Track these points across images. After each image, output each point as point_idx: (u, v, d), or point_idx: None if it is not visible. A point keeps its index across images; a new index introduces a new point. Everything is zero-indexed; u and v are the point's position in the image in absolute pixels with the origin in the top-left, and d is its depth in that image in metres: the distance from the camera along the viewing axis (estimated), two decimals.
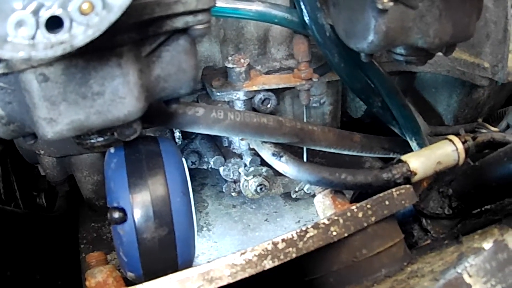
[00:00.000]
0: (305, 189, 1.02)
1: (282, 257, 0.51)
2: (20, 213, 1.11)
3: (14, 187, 1.18)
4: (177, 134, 1.01)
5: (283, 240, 0.52)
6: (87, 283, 0.64)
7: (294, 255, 0.51)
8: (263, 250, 0.51)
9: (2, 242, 0.90)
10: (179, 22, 0.51)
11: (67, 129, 0.51)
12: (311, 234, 0.53)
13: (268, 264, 0.51)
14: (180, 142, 1.02)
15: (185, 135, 1.03)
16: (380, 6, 0.55)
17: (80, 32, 0.39)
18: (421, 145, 0.84)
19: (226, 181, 1.01)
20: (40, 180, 1.24)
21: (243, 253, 0.51)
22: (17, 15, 0.38)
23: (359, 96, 0.85)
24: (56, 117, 0.50)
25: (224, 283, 0.49)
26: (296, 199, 1.10)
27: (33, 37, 0.39)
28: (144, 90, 0.53)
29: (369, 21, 0.59)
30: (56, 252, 1.08)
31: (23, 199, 1.18)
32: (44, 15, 0.38)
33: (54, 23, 0.39)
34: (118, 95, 0.51)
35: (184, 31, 0.53)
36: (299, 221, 1.10)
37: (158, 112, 0.65)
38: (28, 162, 1.08)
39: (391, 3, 0.55)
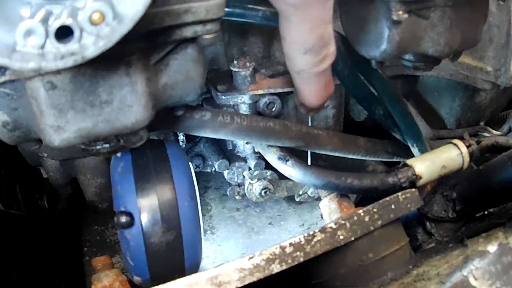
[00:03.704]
0: (309, 192, 1.03)
1: (290, 261, 0.51)
2: (23, 216, 1.11)
3: (17, 189, 1.18)
4: (181, 137, 1.02)
5: (290, 244, 0.52)
6: (93, 287, 0.64)
7: (301, 259, 0.52)
8: (271, 254, 0.51)
9: (8, 246, 0.90)
10: (188, 32, 0.51)
11: (74, 137, 0.51)
12: (319, 238, 0.53)
13: (276, 268, 0.51)
14: (184, 145, 1.02)
15: (189, 138, 1.03)
16: (395, 18, 0.56)
17: (91, 43, 0.39)
18: (423, 152, 0.85)
19: (230, 184, 1.01)
20: (42, 183, 1.24)
21: (251, 258, 0.51)
22: (25, 24, 0.38)
23: (361, 103, 0.86)
24: (64, 124, 0.50)
25: (233, 287, 0.49)
26: (300, 203, 1.10)
27: (42, 47, 0.38)
28: (152, 98, 0.53)
29: (382, 31, 0.60)
30: (59, 255, 1.08)
31: (25, 201, 1.18)
32: (54, 24, 0.38)
33: (64, 33, 0.39)
34: (126, 103, 0.51)
35: (193, 40, 0.53)
36: (303, 225, 1.10)
37: (164, 116, 0.66)
38: (30, 164, 1.08)
39: (406, 15, 0.56)
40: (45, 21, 0.38)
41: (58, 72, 0.47)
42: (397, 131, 0.87)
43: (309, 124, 0.93)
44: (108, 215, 1.06)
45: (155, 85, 0.54)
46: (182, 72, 0.55)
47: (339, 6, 0.72)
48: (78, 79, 0.48)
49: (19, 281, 0.94)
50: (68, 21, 0.38)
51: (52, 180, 1.05)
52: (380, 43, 0.61)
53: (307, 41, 0.59)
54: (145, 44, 0.50)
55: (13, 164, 1.17)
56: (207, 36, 0.52)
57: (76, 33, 0.39)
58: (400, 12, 0.56)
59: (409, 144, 0.86)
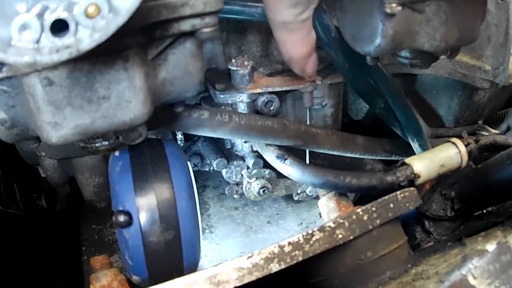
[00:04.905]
0: (307, 191, 1.03)
1: (288, 260, 0.51)
2: (22, 215, 1.11)
3: (15, 189, 1.17)
4: (179, 136, 1.02)
5: (289, 243, 0.52)
6: (91, 286, 0.64)
7: (300, 258, 0.51)
8: (269, 253, 0.51)
9: (6, 246, 0.90)
10: (186, 25, 0.51)
11: (72, 134, 0.51)
12: (317, 237, 0.53)
13: (275, 267, 0.51)
14: (182, 144, 1.02)
15: (187, 137, 1.03)
16: (388, 11, 0.55)
17: (86, 36, 0.39)
18: (423, 147, 0.85)
19: (228, 183, 1.01)
20: (40, 182, 1.24)
21: (250, 257, 0.50)
22: (21, 18, 0.37)
23: (362, 97, 0.86)
24: (61, 121, 0.49)
25: (231, 286, 0.49)
26: (298, 201, 1.10)
27: (37, 41, 0.38)
28: (150, 94, 0.53)
29: (376, 25, 0.59)
30: (58, 255, 1.08)
31: (23, 201, 1.18)
32: (49, 18, 0.38)
33: (59, 27, 0.38)
34: (124, 99, 0.51)
35: (191, 34, 0.53)
36: (301, 223, 1.10)
37: (163, 114, 0.65)
38: (28, 163, 1.07)
39: (399, 8, 0.56)
40: (40, 15, 0.37)
41: (55, 67, 0.47)
42: (398, 125, 0.87)
43: (308, 123, 0.93)
44: (106, 214, 1.06)
45: (154, 80, 0.54)
46: (181, 67, 0.55)
47: (334, 1, 0.71)
48: (75, 74, 0.48)
49: (18, 280, 0.93)
50: (64, 15, 0.38)
51: (50, 179, 1.05)
52: (374, 37, 0.60)
53: None
54: (142, 38, 0.50)
55: (11, 163, 1.16)
56: (206, 30, 0.52)
57: (72, 26, 0.38)
58: (394, 5, 0.55)
59: (409, 139, 0.86)
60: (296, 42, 0.67)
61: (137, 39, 0.49)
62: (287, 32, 0.65)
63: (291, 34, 0.65)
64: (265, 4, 0.62)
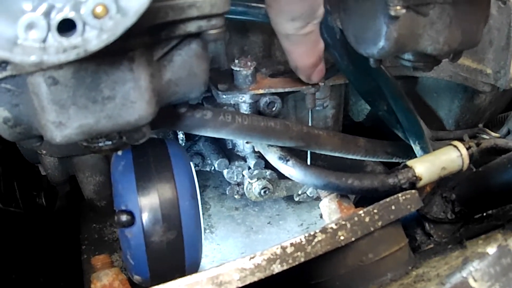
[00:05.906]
0: (308, 192, 1.03)
1: (290, 261, 0.51)
2: (22, 213, 1.11)
3: (15, 187, 1.17)
4: (180, 135, 1.02)
5: (291, 244, 0.52)
6: (92, 286, 0.64)
7: (302, 259, 0.52)
8: (272, 254, 0.51)
9: (6, 244, 0.90)
10: (192, 27, 0.51)
11: (76, 133, 0.50)
12: (319, 238, 0.53)
13: (277, 268, 0.51)
14: (183, 144, 1.02)
15: (188, 137, 1.03)
16: (392, 13, 0.56)
17: (94, 37, 0.38)
18: (425, 149, 0.85)
19: (229, 183, 1.01)
20: (40, 180, 1.24)
21: (252, 257, 0.51)
22: (27, 17, 0.37)
23: (365, 99, 0.86)
24: (65, 121, 0.49)
25: (233, 287, 0.49)
26: (298, 202, 1.10)
27: (44, 40, 0.38)
28: (155, 94, 0.53)
29: (380, 27, 0.59)
30: (57, 253, 1.08)
31: (23, 199, 1.18)
32: (56, 17, 0.37)
33: (66, 26, 0.38)
34: (129, 99, 0.50)
35: (197, 35, 0.53)
36: (301, 224, 1.10)
37: (166, 114, 0.65)
38: (28, 161, 1.07)
39: (404, 10, 0.56)
40: (47, 14, 0.37)
41: (60, 67, 0.46)
42: (400, 128, 0.87)
43: (309, 124, 0.93)
44: (106, 213, 1.06)
45: (159, 81, 0.54)
46: (186, 68, 0.55)
47: (338, 3, 0.72)
48: (80, 74, 0.47)
49: (18, 279, 0.93)
50: (71, 15, 0.37)
51: (51, 177, 1.05)
52: (378, 40, 0.60)
53: (296, 10, 0.58)
54: (148, 39, 0.50)
55: (12, 161, 1.16)
56: (212, 32, 0.52)
57: (79, 26, 0.38)
58: (398, 7, 0.55)
59: (411, 142, 0.86)
60: (301, 53, 0.67)
61: (143, 40, 0.49)
62: (291, 44, 0.66)
63: (296, 45, 0.66)
64: (269, 15, 0.62)
